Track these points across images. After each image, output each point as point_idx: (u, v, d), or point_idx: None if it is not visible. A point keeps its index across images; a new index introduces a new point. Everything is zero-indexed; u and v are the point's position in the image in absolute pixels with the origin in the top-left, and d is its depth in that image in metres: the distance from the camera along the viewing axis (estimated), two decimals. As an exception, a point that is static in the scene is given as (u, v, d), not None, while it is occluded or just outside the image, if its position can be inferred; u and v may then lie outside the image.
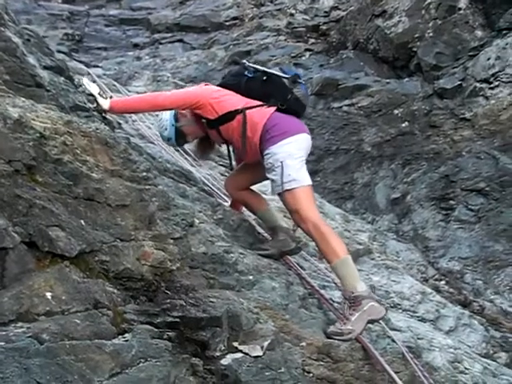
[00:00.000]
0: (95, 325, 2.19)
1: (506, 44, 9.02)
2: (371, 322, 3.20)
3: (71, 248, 2.38)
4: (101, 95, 3.62)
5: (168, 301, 2.55)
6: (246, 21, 13.54)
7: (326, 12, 12.86)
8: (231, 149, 3.88)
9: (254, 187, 3.99)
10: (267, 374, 2.49)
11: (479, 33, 9.65)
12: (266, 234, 3.96)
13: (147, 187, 3.03)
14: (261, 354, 2.55)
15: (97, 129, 3.08)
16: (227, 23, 13.55)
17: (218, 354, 2.46)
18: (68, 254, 2.36)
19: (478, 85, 8.99)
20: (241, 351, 2.53)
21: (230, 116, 3.54)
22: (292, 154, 3.42)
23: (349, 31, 11.56)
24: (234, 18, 13.67)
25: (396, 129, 9.22)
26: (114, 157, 3.02)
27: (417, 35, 10.13)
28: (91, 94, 3.94)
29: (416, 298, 4.92)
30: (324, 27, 12.41)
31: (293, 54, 11.76)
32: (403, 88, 9.85)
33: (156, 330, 2.35)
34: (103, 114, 3.90)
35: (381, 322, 3.37)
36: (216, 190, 4.52)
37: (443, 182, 8.05)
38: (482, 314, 5.97)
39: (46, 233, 2.33)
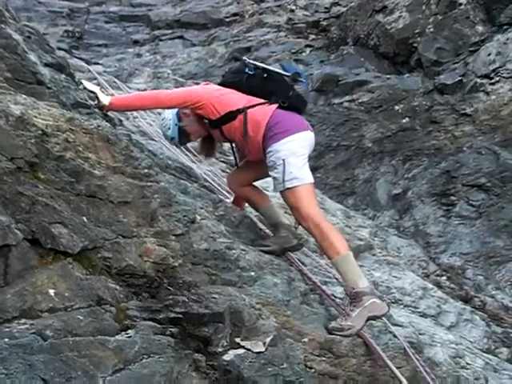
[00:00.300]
0: (98, 321, 2.20)
1: (507, 39, 9.00)
2: (373, 318, 3.19)
3: (74, 245, 2.39)
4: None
5: (170, 297, 2.56)
6: (246, 17, 13.52)
7: (326, 8, 12.83)
8: (235, 147, 3.87)
9: (256, 183, 3.99)
10: (269, 369, 2.50)
11: (480, 28, 9.63)
12: (267, 231, 3.97)
13: (149, 184, 3.03)
14: (263, 349, 2.56)
15: (98, 126, 3.08)
16: (227, 19, 13.53)
17: (220, 349, 2.47)
18: (71, 250, 2.37)
19: (478, 80, 8.98)
20: (243, 347, 2.54)
21: (231, 116, 3.53)
22: (294, 151, 3.41)
23: (349, 27, 11.54)
24: (234, 15, 13.65)
25: (397, 124, 9.21)
26: (116, 154, 3.02)
27: (417, 31, 10.10)
28: (92, 91, 3.96)
29: (417, 294, 4.93)
30: (324, 23, 12.38)
31: (293, 50, 11.73)
32: (404, 84, 9.84)
33: (159, 326, 2.36)
34: (104, 112, 3.91)
35: (382, 317, 3.37)
36: (217, 187, 4.53)
37: (444, 178, 8.05)
38: (483, 310, 5.97)
39: (49, 230, 2.33)
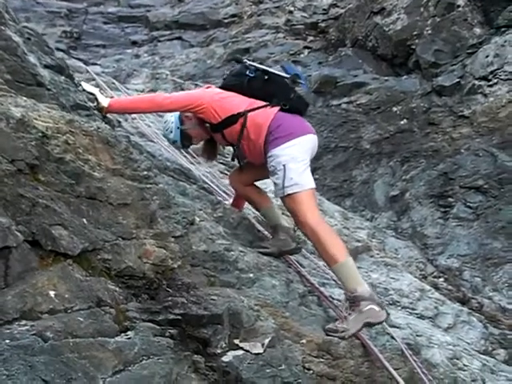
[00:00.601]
0: (98, 323, 2.21)
1: (505, 41, 9.04)
2: (369, 325, 3.16)
3: (74, 246, 2.40)
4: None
5: (169, 298, 2.57)
6: (245, 18, 13.54)
7: (324, 9, 12.87)
8: (237, 150, 3.86)
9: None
10: (268, 370, 2.51)
11: (478, 30, 9.67)
12: (265, 232, 3.98)
13: (148, 186, 3.04)
14: (261, 351, 2.57)
15: (98, 128, 3.09)
16: (226, 21, 13.56)
17: (219, 351, 2.48)
18: (71, 252, 2.38)
19: (476, 82, 9.01)
20: (242, 348, 2.54)
21: (233, 119, 3.50)
22: (295, 157, 3.37)
23: (347, 29, 11.57)
24: (233, 16, 13.67)
25: (395, 126, 9.24)
26: (115, 156, 3.03)
27: (415, 32, 10.14)
28: (92, 93, 3.97)
29: (415, 295, 4.95)
30: (323, 25, 12.42)
31: (291, 52, 11.77)
32: (402, 85, 9.87)
33: (158, 327, 2.37)
34: (103, 113, 3.91)
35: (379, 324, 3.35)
36: (216, 188, 4.53)
37: (442, 180, 8.08)
38: (480, 311, 5.99)
39: (49, 231, 2.34)
